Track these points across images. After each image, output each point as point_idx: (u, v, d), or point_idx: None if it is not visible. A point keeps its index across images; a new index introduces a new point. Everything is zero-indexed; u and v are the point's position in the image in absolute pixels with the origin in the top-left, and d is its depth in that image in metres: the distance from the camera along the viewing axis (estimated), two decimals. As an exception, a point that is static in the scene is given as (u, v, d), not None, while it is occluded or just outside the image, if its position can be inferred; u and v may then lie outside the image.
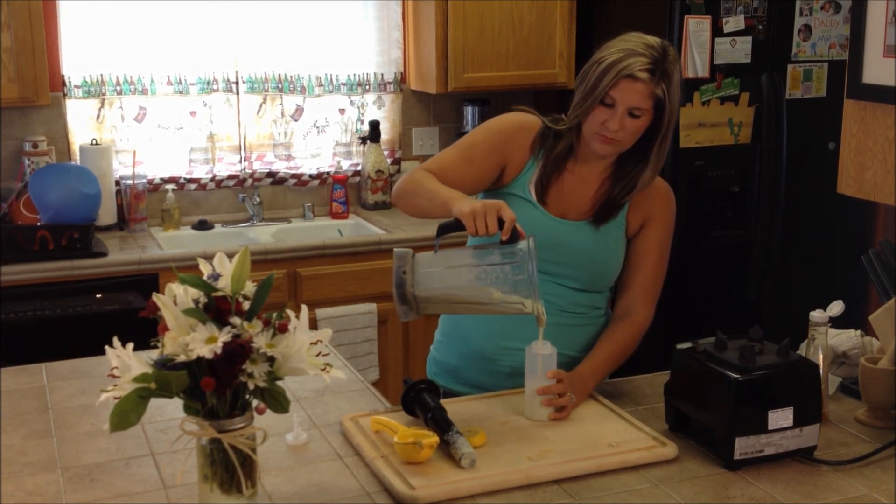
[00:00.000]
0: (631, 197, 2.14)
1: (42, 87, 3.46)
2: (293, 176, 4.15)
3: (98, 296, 3.34)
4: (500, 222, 1.84)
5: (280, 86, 4.05)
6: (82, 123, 3.79)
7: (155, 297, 1.49)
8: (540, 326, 1.90)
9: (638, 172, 2.11)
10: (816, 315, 1.95)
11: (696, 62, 3.71)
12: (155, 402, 1.48)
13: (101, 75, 3.79)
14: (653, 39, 2.03)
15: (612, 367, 2.12)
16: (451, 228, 1.90)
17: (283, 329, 1.50)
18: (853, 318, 2.20)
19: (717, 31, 3.72)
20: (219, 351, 1.42)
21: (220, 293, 1.50)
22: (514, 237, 1.85)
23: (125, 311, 3.32)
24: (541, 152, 2.15)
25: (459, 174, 2.12)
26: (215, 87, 3.95)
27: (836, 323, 2.03)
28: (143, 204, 3.79)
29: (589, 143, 2.08)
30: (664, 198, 2.19)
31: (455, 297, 1.88)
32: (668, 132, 2.07)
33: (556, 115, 2.18)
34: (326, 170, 4.19)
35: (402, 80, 4.26)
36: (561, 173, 2.14)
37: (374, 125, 4.17)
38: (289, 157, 4.13)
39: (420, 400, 1.88)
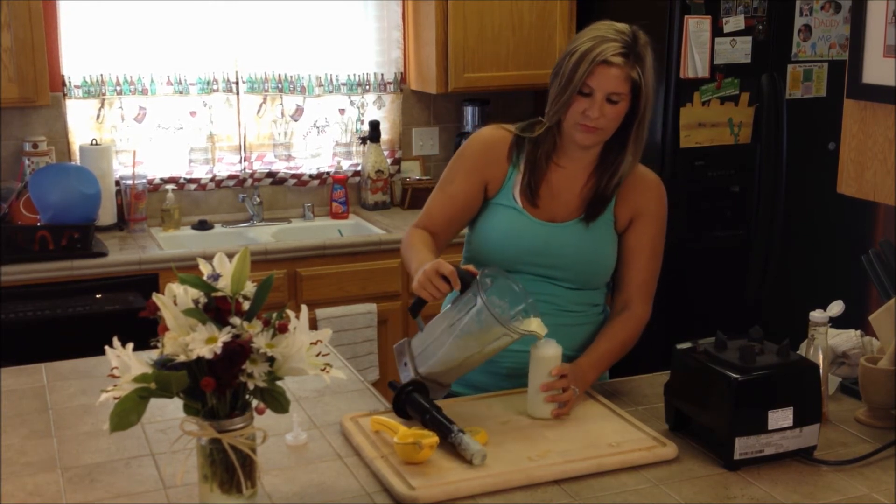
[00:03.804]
0: (617, 187, 2.14)
1: (42, 87, 3.46)
2: (293, 176, 4.15)
3: (98, 296, 3.34)
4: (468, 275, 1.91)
5: (280, 86, 4.05)
6: (82, 123, 3.79)
7: (155, 297, 1.49)
8: (539, 339, 1.93)
9: (619, 160, 2.12)
10: (816, 315, 1.95)
11: (696, 62, 3.71)
12: (155, 402, 1.48)
13: (101, 75, 3.79)
14: (622, 25, 2.06)
15: (612, 361, 2.13)
16: (417, 305, 1.99)
17: (283, 329, 1.50)
18: (853, 318, 2.20)
19: (717, 31, 3.72)
20: (219, 351, 1.42)
21: (220, 293, 1.50)
22: (467, 282, 1.90)
23: (125, 311, 3.32)
24: (519, 159, 2.17)
25: (446, 214, 2.19)
26: (215, 87, 3.95)
27: (836, 323, 2.03)
28: (143, 204, 3.79)
29: (571, 135, 2.09)
30: (654, 192, 2.20)
31: (452, 360, 1.92)
32: (644, 116, 2.09)
33: (533, 120, 2.19)
34: (326, 170, 4.19)
35: (402, 80, 4.26)
36: (548, 174, 2.16)
37: (374, 125, 4.17)
38: (289, 157, 4.13)
39: (412, 401, 1.88)
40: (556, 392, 1.94)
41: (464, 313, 1.89)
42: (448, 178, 2.22)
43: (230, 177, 4.04)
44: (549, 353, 1.95)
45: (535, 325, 1.91)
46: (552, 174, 2.16)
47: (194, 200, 4.02)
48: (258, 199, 4.01)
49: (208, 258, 1.56)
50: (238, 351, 1.44)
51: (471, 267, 1.94)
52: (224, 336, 1.43)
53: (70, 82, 3.75)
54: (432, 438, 1.73)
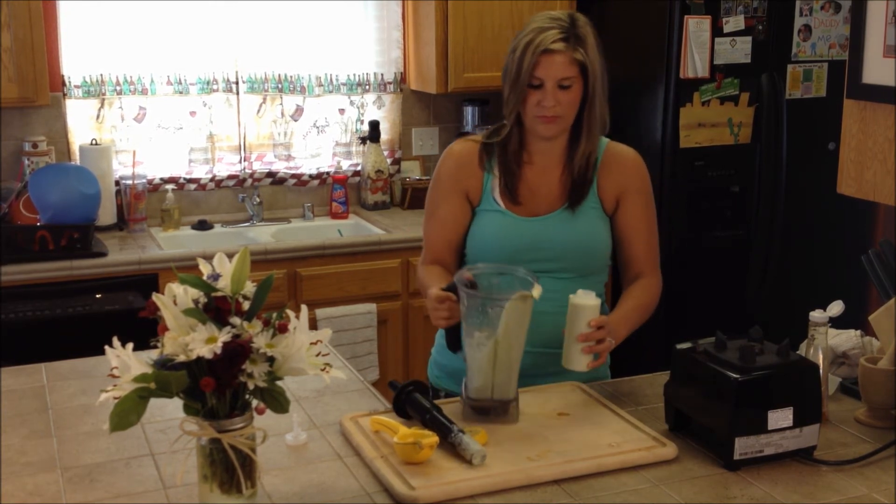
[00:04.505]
0: (593, 168, 2.16)
1: (42, 87, 3.46)
2: (293, 176, 4.15)
3: (98, 296, 3.34)
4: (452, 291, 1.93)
5: (280, 86, 4.05)
6: (82, 123, 3.79)
7: (155, 297, 1.49)
8: (537, 291, 1.90)
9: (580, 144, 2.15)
10: (816, 315, 1.95)
11: (696, 62, 3.71)
12: (155, 402, 1.48)
13: (101, 75, 3.79)
14: (559, 12, 2.12)
15: (638, 319, 2.15)
16: (449, 338, 2.02)
17: (282, 329, 1.50)
18: (853, 318, 2.20)
19: (717, 31, 3.72)
20: (219, 351, 1.41)
21: (219, 293, 1.50)
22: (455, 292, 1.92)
23: (125, 311, 3.32)
24: (491, 164, 2.20)
25: (444, 239, 2.23)
26: (215, 87, 3.95)
27: (836, 323, 2.03)
28: (142, 204, 3.79)
29: (534, 129, 2.13)
30: (633, 168, 2.22)
31: (482, 365, 1.89)
32: (595, 95, 2.10)
33: (498, 125, 2.23)
34: (326, 170, 4.19)
35: (402, 80, 4.26)
36: (522, 172, 2.19)
37: (374, 125, 4.17)
38: (289, 157, 4.13)
39: (412, 401, 1.88)
40: (593, 343, 1.96)
41: (469, 325, 1.89)
42: (433, 203, 2.26)
43: (230, 177, 4.04)
44: (588, 303, 1.95)
45: (534, 291, 1.87)
46: (526, 172, 2.19)
47: (194, 200, 4.02)
48: (258, 199, 4.01)
49: (208, 258, 1.56)
50: (238, 351, 1.44)
51: (453, 280, 1.95)
52: (224, 336, 1.43)
53: (70, 82, 3.75)
54: (432, 438, 1.73)
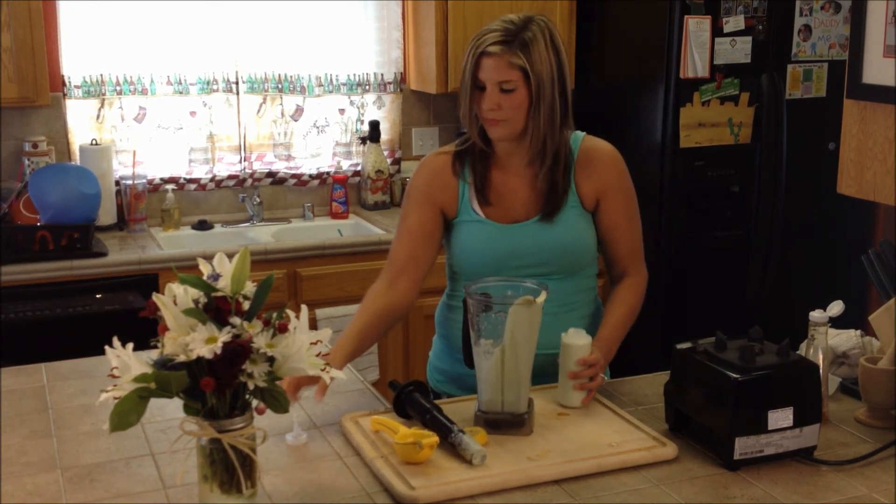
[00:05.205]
0: (563, 170, 2.12)
1: (42, 87, 3.46)
2: (293, 176, 4.15)
3: (98, 296, 3.34)
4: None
5: (280, 86, 4.05)
6: (82, 123, 3.79)
7: (155, 297, 1.49)
8: (541, 298, 1.87)
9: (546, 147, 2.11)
10: (816, 315, 1.95)
11: (696, 62, 3.71)
12: (155, 402, 1.48)
13: (101, 75, 3.79)
14: (517, 15, 2.08)
15: (628, 325, 2.17)
16: (465, 350, 1.96)
17: (283, 329, 1.50)
18: (853, 318, 2.20)
19: (717, 31, 3.72)
20: (219, 351, 1.42)
21: (220, 293, 1.50)
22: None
23: (125, 311, 3.32)
24: (465, 171, 2.18)
25: (408, 251, 2.17)
26: (215, 87, 3.95)
27: (836, 323, 2.03)
28: (142, 204, 3.79)
29: (486, 131, 2.11)
30: (610, 165, 2.18)
31: (489, 375, 1.87)
32: (539, 99, 2.04)
33: (467, 133, 2.20)
34: (326, 170, 4.19)
35: (402, 80, 4.26)
36: (492, 177, 2.17)
37: (374, 125, 4.17)
38: (289, 157, 4.13)
39: (412, 401, 1.88)
40: (585, 380, 1.97)
41: (473, 325, 1.88)
42: (403, 216, 2.22)
43: (230, 177, 4.04)
44: (577, 343, 1.97)
45: (539, 297, 1.86)
46: (498, 174, 2.17)
47: (194, 200, 4.02)
48: (258, 199, 4.01)
49: (208, 258, 1.56)
50: (238, 351, 1.44)
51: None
52: (224, 336, 1.43)
53: (70, 82, 3.75)
54: (432, 438, 1.73)
